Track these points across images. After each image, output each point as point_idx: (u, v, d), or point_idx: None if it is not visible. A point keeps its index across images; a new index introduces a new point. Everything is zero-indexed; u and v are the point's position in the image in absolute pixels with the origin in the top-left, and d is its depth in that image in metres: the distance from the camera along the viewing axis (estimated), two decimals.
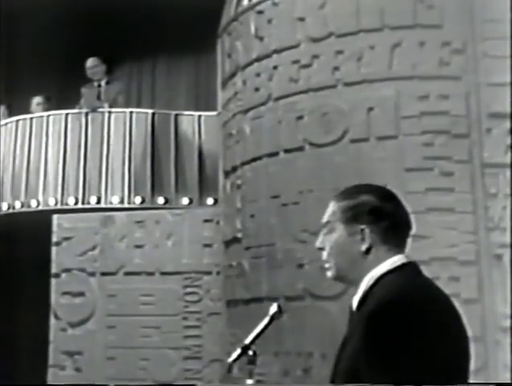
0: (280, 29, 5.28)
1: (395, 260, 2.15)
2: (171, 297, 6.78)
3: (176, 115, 8.99)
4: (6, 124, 9.38)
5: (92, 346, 6.90)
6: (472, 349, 2.08)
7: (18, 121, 9.25)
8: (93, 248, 7.04)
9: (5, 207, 9.00)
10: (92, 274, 7.02)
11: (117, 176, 8.63)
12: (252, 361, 2.38)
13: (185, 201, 8.56)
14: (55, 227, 7.21)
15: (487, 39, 4.72)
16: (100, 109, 8.98)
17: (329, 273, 2.24)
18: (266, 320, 2.46)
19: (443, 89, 4.73)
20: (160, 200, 8.55)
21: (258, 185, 5.33)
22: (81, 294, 7.01)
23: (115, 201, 8.53)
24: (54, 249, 7.17)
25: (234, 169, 5.65)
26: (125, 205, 8.44)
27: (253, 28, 5.49)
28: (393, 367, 1.92)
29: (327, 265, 2.24)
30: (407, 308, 1.98)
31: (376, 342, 1.96)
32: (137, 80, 11.47)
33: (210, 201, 8.38)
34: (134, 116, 8.90)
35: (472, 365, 2.08)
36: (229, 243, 5.73)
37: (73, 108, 9.13)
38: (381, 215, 2.17)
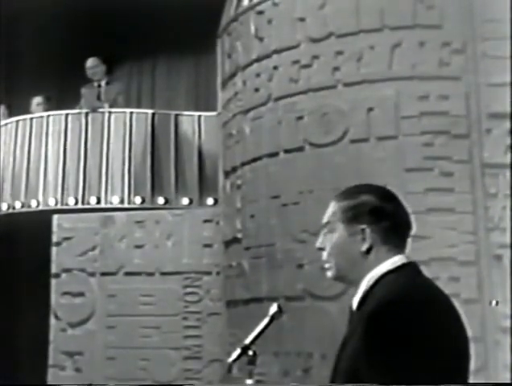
0: (280, 29, 5.28)
1: (395, 261, 2.15)
2: (171, 298, 6.79)
3: (176, 115, 8.99)
4: (6, 124, 9.37)
5: (92, 346, 6.91)
6: (472, 349, 2.08)
7: (18, 121, 9.25)
8: (93, 249, 7.04)
9: (5, 207, 9.00)
10: (92, 274, 7.02)
11: (117, 176, 8.63)
12: (252, 361, 2.38)
13: (185, 201, 8.56)
14: (55, 228, 7.22)
15: (487, 39, 4.72)
16: (100, 109, 8.98)
17: (329, 273, 2.24)
18: (266, 320, 2.46)
19: (443, 89, 4.73)
20: (160, 200, 8.55)
21: (257, 185, 5.34)
22: (81, 294, 7.01)
23: (115, 201, 8.53)
24: (54, 249, 7.17)
25: (234, 169, 5.65)
26: (125, 205, 8.44)
27: (253, 28, 5.49)
28: (393, 367, 1.92)
29: (327, 265, 2.24)
30: (407, 308, 1.98)
31: (376, 342, 1.96)
32: (137, 80, 11.46)
33: (210, 201, 8.38)
34: (134, 116, 8.90)
35: (472, 365, 2.08)
36: (229, 243, 5.73)
37: (73, 108, 9.13)
38: (382, 215, 2.17)
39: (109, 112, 8.93)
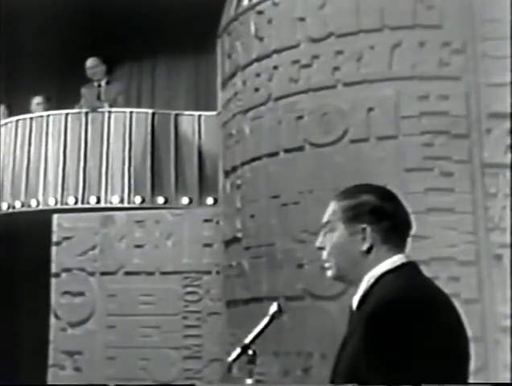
0: (280, 29, 5.28)
1: (395, 260, 2.16)
2: (170, 297, 6.79)
3: (176, 115, 8.99)
4: (5, 124, 9.38)
5: (92, 345, 6.91)
6: (472, 349, 2.08)
7: (18, 120, 9.26)
8: (93, 248, 7.04)
9: (5, 206, 9.00)
10: (92, 274, 7.02)
11: (117, 176, 8.63)
12: (252, 361, 2.38)
13: (185, 201, 8.56)
14: (55, 227, 7.22)
15: (487, 39, 4.72)
16: (100, 109, 8.98)
17: (329, 273, 2.24)
18: (265, 320, 2.46)
19: (443, 89, 4.73)
20: (160, 200, 8.55)
21: (257, 185, 5.34)
22: (81, 294, 7.01)
23: (115, 201, 8.53)
24: (54, 249, 7.17)
25: (234, 169, 5.65)
26: (125, 205, 8.44)
27: (253, 28, 5.49)
28: (393, 367, 1.92)
29: (327, 265, 2.24)
30: (407, 308, 1.98)
31: (376, 342, 1.96)
32: (137, 80, 11.46)
33: (210, 201, 8.38)
34: (134, 116, 8.90)
35: (472, 365, 2.08)
36: (228, 243, 5.73)
37: (73, 108, 9.13)
38: (382, 214, 2.17)
39: (109, 112, 8.93)
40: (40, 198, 8.74)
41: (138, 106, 10.09)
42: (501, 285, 4.47)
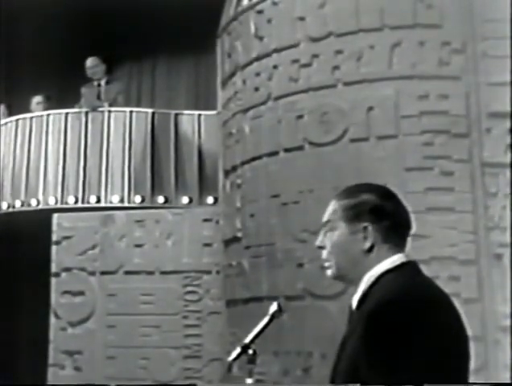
0: (280, 28, 5.28)
1: (395, 260, 2.15)
2: (170, 297, 6.79)
3: (176, 114, 8.99)
4: (5, 123, 9.38)
5: (92, 345, 6.91)
6: (472, 349, 2.08)
7: (18, 120, 9.26)
8: (93, 248, 7.04)
9: (5, 206, 9.00)
10: (92, 273, 7.02)
11: (117, 175, 8.63)
12: (252, 360, 2.38)
13: (185, 200, 8.56)
14: (55, 227, 7.22)
15: (487, 38, 4.72)
16: (100, 109, 8.98)
17: (329, 272, 2.24)
18: (265, 319, 2.46)
19: (443, 89, 4.73)
20: (160, 199, 8.55)
21: (257, 184, 5.34)
22: (81, 293, 7.01)
23: (115, 200, 8.54)
24: (54, 248, 7.17)
25: (234, 168, 5.65)
26: (125, 204, 8.44)
27: (252, 28, 5.49)
28: (392, 367, 1.92)
29: (327, 264, 2.24)
30: (407, 307, 1.98)
31: (375, 341, 1.96)
32: (137, 79, 11.46)
33: (210, 200, 8.38)
34: (133, 115, 8.90)
35: (472, 365, 2.08)
36: (228, 242, 5.73)
37: (73, 107, 9.13)
38: (383, 213, 2.17)
39: (109, 112, 8.93)
40: (40, 197, 8.74)
41: (138, 106, 10.09)
42: (501, 284, 4.47)
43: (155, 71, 11.48)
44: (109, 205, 8.37)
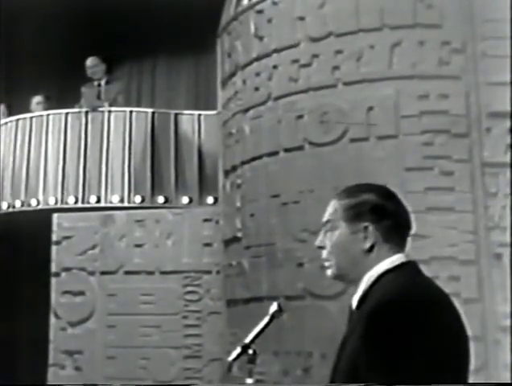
0: (280, 28, 5.28)
1: (395, 260, 2.15)
2: (171, 297, 6.79)
3: (176, 114, 8.99)
4: (5, 123, 9.38)
5: (93, 345, 6.91)
6: (472, 349, 2.08)
7: (18, 120, 9.26)
8: (93, 248, 7.04)
9: (5, 206, 9.00)
10: (92, 273, 7.02)
11: (117, 175, 8.63)
12: (252, 360, 2.38)
13: (185, 200, 8.56)
14: (55, 227, 7.22)
15: (487, 38, 4.72)
16: (100, 109, 8.98)
17: (329, 272, 2.24)
18: (266, 319, 2.46)
19: (443, 89, 4.73)
20: (160, 199, 8.55)
21: (257, 184, 5.34)
22: (81, 293, 7.02)
23: (115, 200, 8.54)
24: (54, 248, 7.17)
25: (234, 168, 5.65)
26: (125, 204, 8.44)
27: (252, 28, 5.49)
28: (392, 367, 1.92)
29: (327, 264, 2.24)
30: (407, 307, 1.98)
31: (375, 341, 1.96)
32: (137, 79, 11.46)
33: (210, 200, 8.38)
34: (133, 115, 8.90)
35: (472, 365, 2.08)
36: (228, 242, 5.73)
37: (73, 107, 9.13)
38: (384, 213, 2.17)
39: (109, 112, 8.93)
40: (40, 197, 8.74)
41: (138, 105, 10.09)
42: (501, 284, 4.46)
43: (155, 71, 11.48)
44: (109, 205, 8.37)
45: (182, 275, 6.81)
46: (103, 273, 7.00)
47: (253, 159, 5.39)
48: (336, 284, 2.97)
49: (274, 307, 2.48)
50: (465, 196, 4.60)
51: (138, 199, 8.53)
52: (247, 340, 2.40)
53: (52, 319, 7.08)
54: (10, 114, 9.76)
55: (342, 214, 2.21)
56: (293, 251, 4.99)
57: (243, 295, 5.39)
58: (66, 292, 7.05)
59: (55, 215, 7.32)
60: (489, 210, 4.56)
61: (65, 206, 8.49)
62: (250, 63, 5.49)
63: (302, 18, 5.17)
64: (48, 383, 7.01)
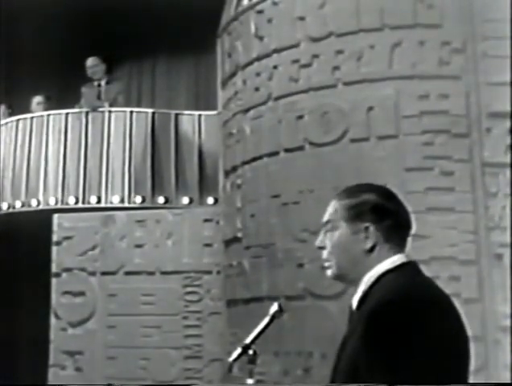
0: (280, 28, 5.28)
1: (395, 260, 2.16)
2: (171, 297, 6.79)
3: (176, 114, 9.00)
4: (6, 123, 9.38)
5: (93, 345, 6.91)
6: (472, 349, 2.08)
7: (18, 120, 9.26)
8: (94, 248, 7.04)
9: (5, 206, 9.00)
10: (92, 274, 7.02)
11: (117, 176, 8.64)
12: (252, 360, 2.38)
13: (185, 200, 8.56)
14: (55, 227, 7.22)
15: (487, 38, 4.72)
16: (100, 109, 8.98)
17: (329, 272, 2.24)
18: (266, 319, 2.46)
19: (443, 89, 4.73)
20: (160, 200, 8.55)
21: (258, 184, 5.34)
22: (82, 294, 7.01)
23: (115, 200, 8.54)
24: (54, 249, 7.17)
25: (234, 168, 5.65)
26: (126, 204, 8.44)
27: (253, 28, 5.49)
28: (392, 367, 1.92)
29: (327, 264, 2.24)
30: (407, 307, 1.98)
31: (376, 341, 1.96)
32: (137, 79, 11.47)
33: (210, 200, 8.38)
34: (134, 115, 8.90)
35: (472, 365, 2.08)
36: (229, 242, 5.73)
37: (73, 107, 9.13)
38: (384, 213, 2.17)
39: (110, 112, 8.94)
40: (41, 197, 8.74)
41: (139, 106, 10.09)
42: (501, 284, 4.46)
43: (155, 71, 11.48)
44: (109, 205, 8.37)
45: (182, 275, 6.81)
46: (103, 273, 7.00)
47: (254, 159, 5.38)
48: (336, 284, 2.97)
49: (274, 307, 2.49)
50: (465, 196, 4.60)
51: (138, 199, 8.53)
52: (247, 340, 2.40)
53: (53, 319, 7.08)
54: (10, 114, 9.76)
55: (343, 214, 2.21)
56: (293, 251, 4.99)
57: (243, 295, 5.39)
58: (66, 292, 7.05)
59: (55, 216, 7.32)
60: (489, 210, 4.56)
61: (66, 206, 8.49)
62: (251, 63, 5.49)
63: (302, 18, 5.17)
64: (49, 383, 7.01)
